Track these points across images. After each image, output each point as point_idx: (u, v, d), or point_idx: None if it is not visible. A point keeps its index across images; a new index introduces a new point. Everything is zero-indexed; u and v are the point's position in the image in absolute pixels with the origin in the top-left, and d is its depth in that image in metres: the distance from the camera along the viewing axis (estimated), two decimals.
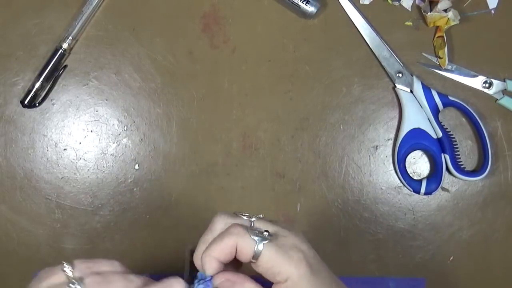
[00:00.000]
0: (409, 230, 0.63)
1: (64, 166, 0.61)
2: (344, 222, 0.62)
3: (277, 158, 0.62)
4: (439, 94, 0.61)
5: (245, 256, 0.41)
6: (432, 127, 0.61)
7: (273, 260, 0.40)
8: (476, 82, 0.62)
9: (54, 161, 0.61)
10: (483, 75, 0.62)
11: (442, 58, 0.61)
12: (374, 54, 0.61)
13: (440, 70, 0.62)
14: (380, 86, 0.62)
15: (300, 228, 0.62)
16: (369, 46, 0.62)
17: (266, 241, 0.40)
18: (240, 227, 0.41)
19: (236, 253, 0.41)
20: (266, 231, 0.41)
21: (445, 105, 0.61)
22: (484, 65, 0.62)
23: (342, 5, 0.61)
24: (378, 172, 0.62)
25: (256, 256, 0.40)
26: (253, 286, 0.41)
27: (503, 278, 0.63)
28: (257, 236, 0.40)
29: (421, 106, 0.61)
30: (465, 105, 0.61)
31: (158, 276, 0.61)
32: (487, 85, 0.62)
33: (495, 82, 0.62)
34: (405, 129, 0.61)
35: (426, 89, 0.61)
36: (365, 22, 0.61)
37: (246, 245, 0.40)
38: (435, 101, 0.60)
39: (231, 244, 0.40)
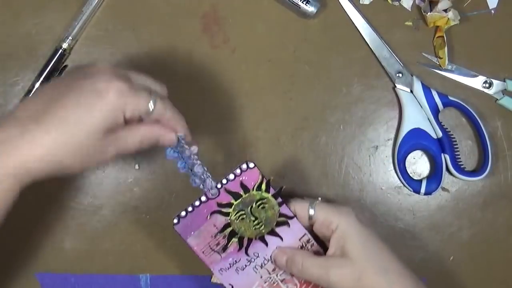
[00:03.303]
0: (409, 230, 0.63)
1: None
2: None
3: (277, 158, 0.62)
4: (439, 94, 0.61)
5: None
6: (432, 127, 0.61)
7: (324, 213, 0.51)
8: (476, 82, 0.62)
9: None
10: (483, 75, 0.62)
11: (442, 58, 0.61)
12: (374, 54, 0.62)
13: (440, 70, 0.62)
14: (380, 86, 0.62)
15: None
16: (369, 46, 0.62)
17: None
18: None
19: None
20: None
21: (445, 105, 0.61)
22: (484, 65, 0.62)
23: (342, 5, 0.62)
24: (378, 172, 0.62)
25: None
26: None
27: (503, 278, 0.63)
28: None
29: (421, 106, 0.61)
30: (465, 105, 0.61)
31: (158, 276, 0.62)
32: (487, 85, 0.62)
33: (495, 82, 0.62)
34: (405, 129, 0.61)
35: (426, 89, 0.61)
36: (365, 22, 0.61)
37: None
38: (435, 101, 0.60)
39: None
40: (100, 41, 0.61)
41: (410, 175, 0.62)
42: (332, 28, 0.62)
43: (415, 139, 0.61)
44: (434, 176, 0.61)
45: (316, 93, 0.62)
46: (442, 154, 0.61)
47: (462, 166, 0.62)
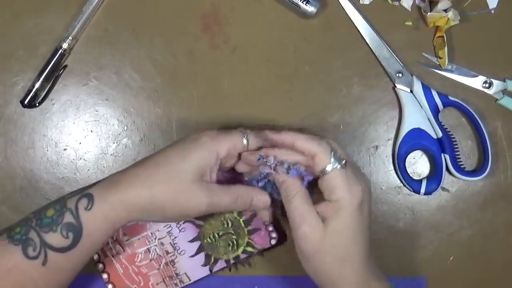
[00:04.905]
0: (409, 230, 0.63)
1: (64, 166, 0.61)
2: None
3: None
4: (439, 94, 0.61)
5: (318, 166, 0.49)
6: (432, 127, 0.61)
7: (336, 182, 0.49)
8: (476, 82, 0.62)
9: (54, 161, 0.61)
10: (483, 75, 0.62)
11: (442, 58, 0.61)
12: (374, 54, 0.61)
13: (440, 70, 0.62)
14: (380, 86, 0.62)
15: None
16: (369, 46, 0.62)
17: (339, 166, 0.49)
18: (328, 146, 0.50)
19: (313, 160, 0.50)
20: (346, 161, 0.49)
21: (445, 105, 0.61)
22: (484, 65, 0.62)
23: (342, 5, 0.61)
24: (378, 172, 0.62)
25: (324, 172, 0.49)
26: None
27: (503, 278, 0.63)
28: (335, 159, 0.49)
29: (421, 106, 0.61)
30: (465, 105, 0.61)
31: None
32: (487, 85, 0.62)
33: (495, 82, 0.62)
34: (405, 129, 0.61)
35: (426, 89, 0.61)
36: (365, 22, 0.61)
37: (323, 159, 0.49)
38: (435, 101, 0.60)
39: (314, 149, 0.49)
40: (100, 41, 0.61)
41: (410, 175, 0.62)
42: (332, 28, 0.62)
43: (415, 139, 0.61)
44: (434, 176, 0.61)
45: (316, 93, 0.62)
46: (442, 154, 0.61)
47: (462, 166, 0.62)
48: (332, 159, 0.49)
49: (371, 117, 0.62)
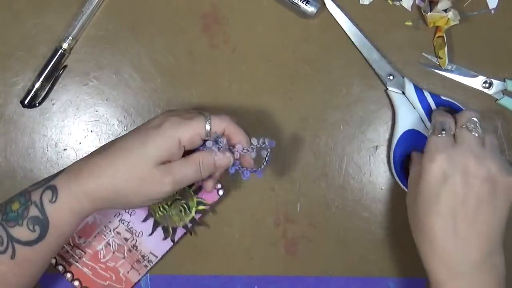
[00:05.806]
0: (409, 230, 0.62)
1: (64, 166, 0.61)
2: (344, 222, 0.62)
3: (277, 158, 0.62)
4: (431, 94, 0.60)
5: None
6: (426, 127, 0.60)
7: (426, 145, 0.54)
8: (476, 82, 0.62)
9: (54, 161, 0.61)
10: (483, 75, 0.62)
11: (442, 58, 0.61)
12: (365, 58, 0.61)
13: (440, 70, 0.62)
14: (380, 86, 0.62)
15: (300, 228, 0.62)
16: (358, 50, 0.61)
17: (438, 133, 0.53)
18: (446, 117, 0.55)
19: None
20: (445, 131, 0.53)
21: (438, 105, 0.60)
22: (484, 65, 0.62)
23: (329, 10, 0.61)
24: (378, 172, 0.62)
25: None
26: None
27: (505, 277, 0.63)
28: (438, 126, 0.54)
29: (414, 107, 0.60)
30: (457, 104, 0.60)
31: (158, 276, 0.61)
32: (487, 85, 0.62)
33: (495, 82, 0.62)
34: (400, 131, 0.60)
35: (418, 90, 0.60)
36: (353, 26, 0.61)
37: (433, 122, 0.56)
38: (427, 101, 0.60)
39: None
40: (100, 41, 0.61)
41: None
42: (332, 28, 0.62)
43: (411, 141, 0.60)
44: None
45: (316, 93, 0.62)
46: None
47: None
48: (434, 126, 0.54)
49: (371, 117, 0.62)
